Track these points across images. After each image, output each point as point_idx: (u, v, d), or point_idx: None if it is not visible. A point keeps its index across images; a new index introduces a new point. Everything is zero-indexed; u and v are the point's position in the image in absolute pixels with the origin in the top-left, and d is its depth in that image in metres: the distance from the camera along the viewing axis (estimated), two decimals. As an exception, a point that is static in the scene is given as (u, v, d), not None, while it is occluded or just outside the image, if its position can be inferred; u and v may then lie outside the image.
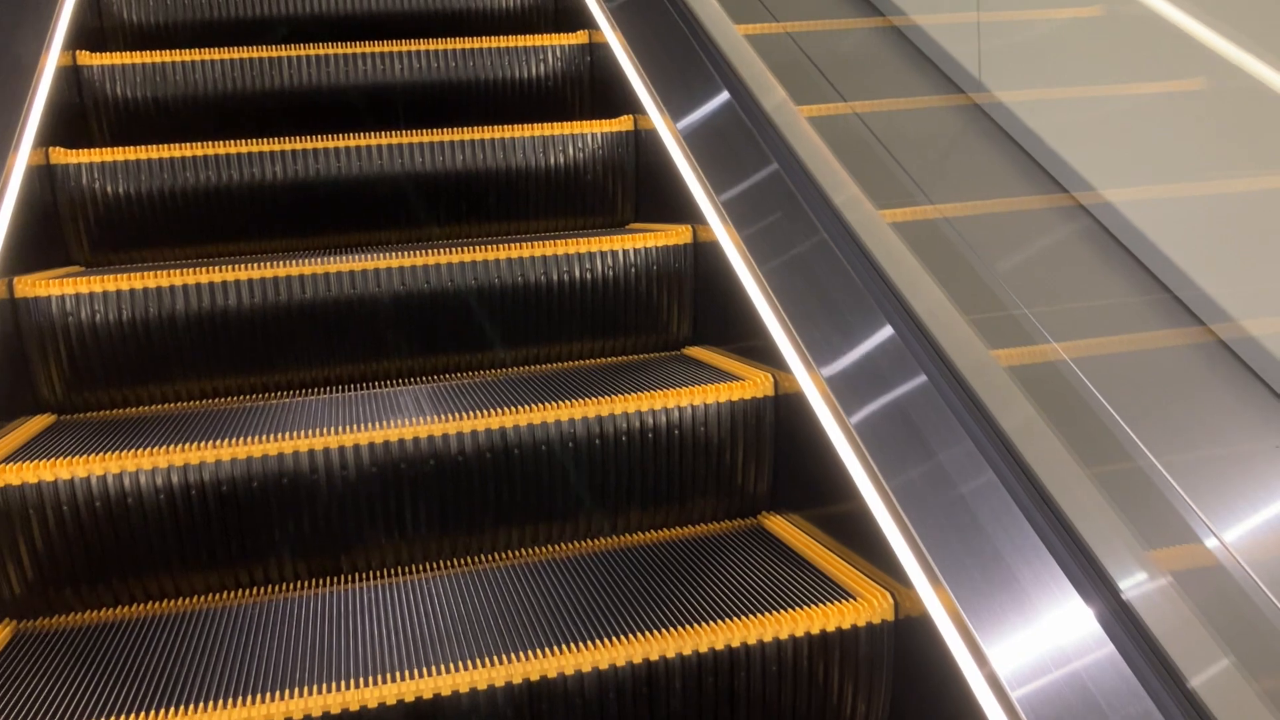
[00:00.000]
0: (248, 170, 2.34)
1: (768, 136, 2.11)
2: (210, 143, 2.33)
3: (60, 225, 2.29)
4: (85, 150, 2.29)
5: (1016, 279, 1.86)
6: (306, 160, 2.36)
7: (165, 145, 2.31)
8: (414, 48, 2.72)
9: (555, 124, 2.48)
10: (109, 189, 2.29)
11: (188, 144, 2.33)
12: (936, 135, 2.44)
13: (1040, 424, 1.47)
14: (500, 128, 2.45)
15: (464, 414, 1.76)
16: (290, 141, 2.36)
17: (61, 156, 2.26)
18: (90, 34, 2.81)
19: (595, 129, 2.49)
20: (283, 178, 2.35)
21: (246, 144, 2.34)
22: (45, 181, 2.23)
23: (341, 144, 2.37)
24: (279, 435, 1.70)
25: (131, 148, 2.30)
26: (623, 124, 2.50)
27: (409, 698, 1.37)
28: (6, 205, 1.98)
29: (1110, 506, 1.36)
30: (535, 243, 2.14)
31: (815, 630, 1.48)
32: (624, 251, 2.17)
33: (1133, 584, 1.27)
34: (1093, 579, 1.30)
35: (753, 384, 1.86)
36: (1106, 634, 1.25)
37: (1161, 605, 1.25)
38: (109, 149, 2.30)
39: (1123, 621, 1.25)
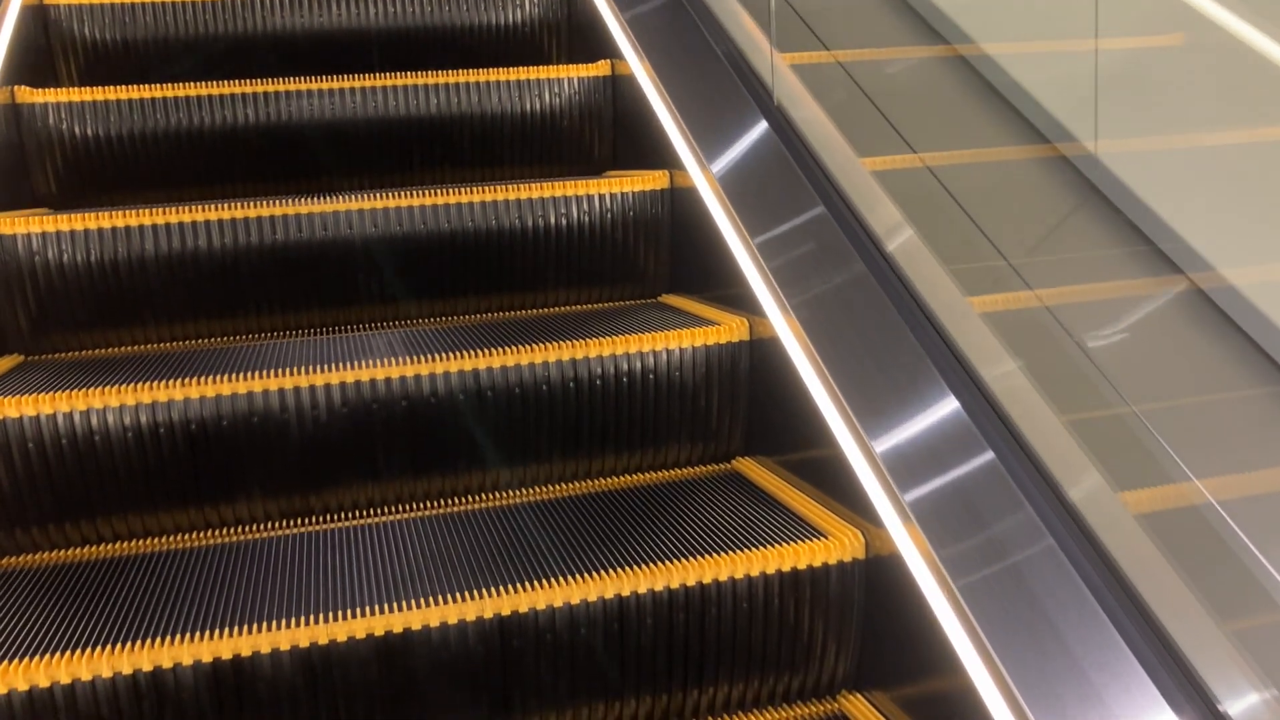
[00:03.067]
0: (219, 112, 2.31)
1: (745, 77, 2.09)
2: (181, 84, 2.30)
3: (27, 166, 2.25)
4: (53, 90, 2.25)
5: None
6: (279, 103, 2.33)
7: (134, 86, 2.28)
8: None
9: (531, 68, 2.45)
10: (78, 130, 2.25)
11: (158, 85, 2.29)
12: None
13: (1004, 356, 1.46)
14: (475, 71, 2.42)
15: (436, 355, 1.75)
16: (263, 84, 2.33)
17: (28, 96, 2.22)
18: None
19: (572, 74, 2.46)
20: (255, 120, 2.32)
21: (218, 86, 2.31)
22: (11, 120, 2.20)
23: (315, 86, 2.34)
24: (249, 374, 1.68)
25: (101, 88, 2.27)
26: (600, 69, 2.48)
27: (379, 632, 1.37)
28: (-30, 142, 1.95)
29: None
30: (509, 186, 2.12)
31: (786, 568, 1.48)
32: (600, 196, 2.16)
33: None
34: (1054, 505, 1.30)
35: (728, 329, 1.85)
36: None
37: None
38: (77, 89, 2.26)
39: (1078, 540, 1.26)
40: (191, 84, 2.30)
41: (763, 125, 1.99)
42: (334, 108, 2.35)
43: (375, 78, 2.37)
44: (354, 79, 2.36)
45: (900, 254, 1.62)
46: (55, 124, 2.24)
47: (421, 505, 1.78)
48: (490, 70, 2.42)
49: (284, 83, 2.33)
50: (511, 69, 2.43)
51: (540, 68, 2.44)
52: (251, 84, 2.32)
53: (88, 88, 2.27)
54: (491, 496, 1.81)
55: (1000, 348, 1.51)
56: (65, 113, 2.25)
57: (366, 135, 2.38)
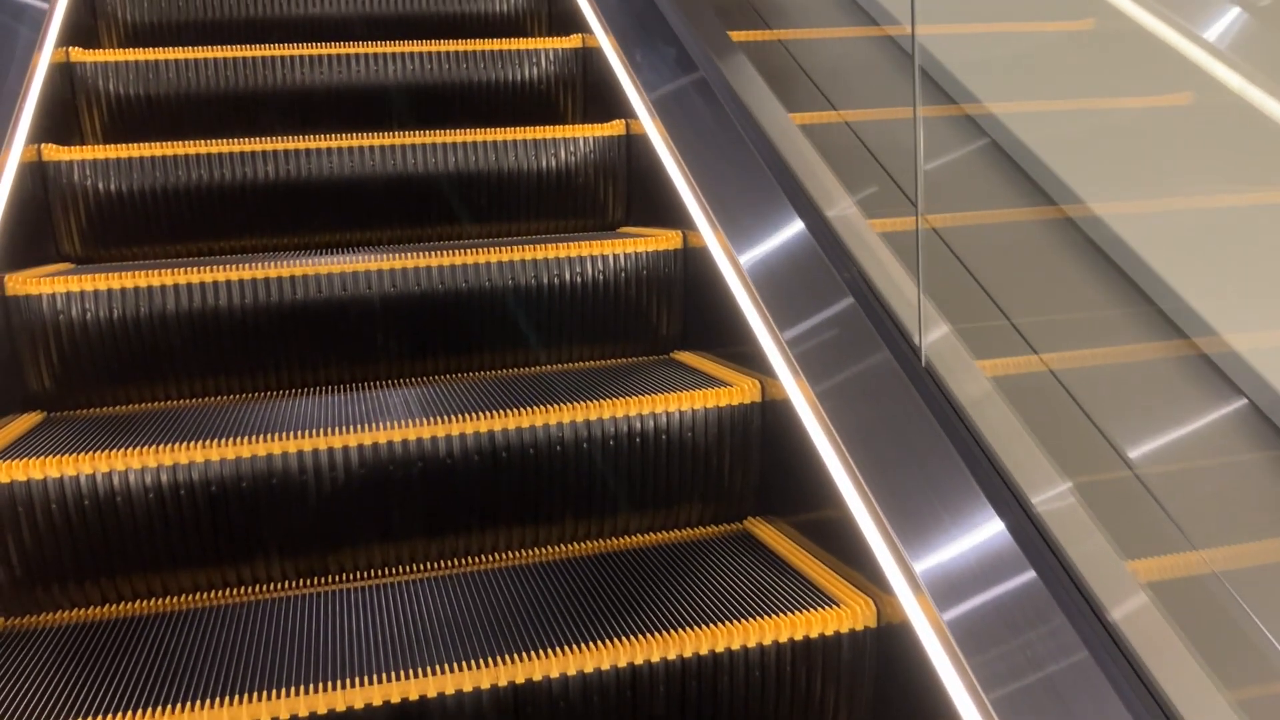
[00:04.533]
0: (240, 169, 2.35)
1: (754, 139, 2.12)
2: (202, 141, 2.34)
3: (52, 222, 2.29)
4: (77, 147, 2.30)
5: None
6: (299, 160, 2.37)
7: (157, 143, 2.32)
8: (407, 49, 2.73)
9: (547, 127, 2.49)
10: (100, 186, 2.30)
11: (179, 142, 2.33)
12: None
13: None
14: (493, 130, 2.46)
15: (452, 416, 1.78)
16: (282, 141, 2.37)
17: (54, 153, 2.26)
18: (84, 31, 2.81)
19: (587, 133, 2.50)
20: (275, 177, 2.36)
21: (239, 143, 2.35)
22: (37, 178, 2.24)
23: (334, 144, 2.38)
24: (269, 436, 1.70)
25: (123, 145, 2.31)
26: (615, 128, 2.51)
27: (395, 699, 1.38)
28: (-1, 202, 1.99)
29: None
30: (526, 246, 2.15)
31: (799, 636, 1.49)
32: (614, 256, 2.19)
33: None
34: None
35: (740, 390, 1.87)
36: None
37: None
38: (101, 146, 2.30)
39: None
40: (213, 141, 2.34)
41: (775, 189, 2.02)
42: (353, 165, 2.39)
43: (394, 136, 2.41)
44: (372, 137, 2.40)
45: (911, 322, 1.64)
46: (79, 181, 2.28)
47: (436, 565, 1.80)
48: (507, 129, 2.46)
49: (304, 140, 2.37)
50: (528, 128, 2.47)
51: (557, 127, 2.48)
52: (272, 141, 2.36)
53: (111, 145, 2.31)
54: (505, 556, 1.83)
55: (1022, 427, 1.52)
56: (89, 170, 2.29)
57: (384, 192, 2.41)
